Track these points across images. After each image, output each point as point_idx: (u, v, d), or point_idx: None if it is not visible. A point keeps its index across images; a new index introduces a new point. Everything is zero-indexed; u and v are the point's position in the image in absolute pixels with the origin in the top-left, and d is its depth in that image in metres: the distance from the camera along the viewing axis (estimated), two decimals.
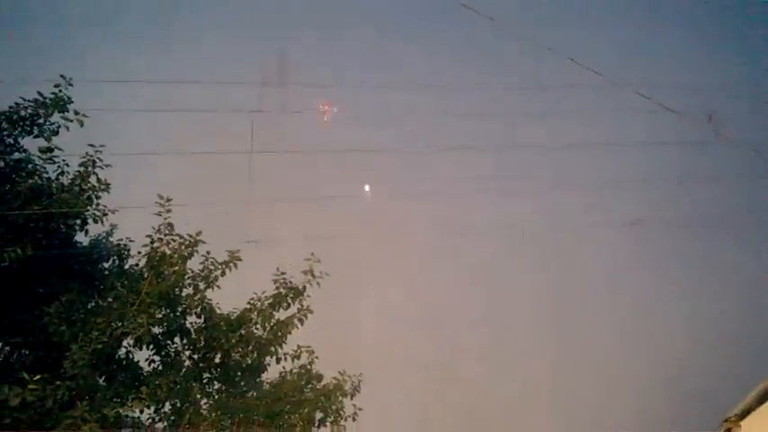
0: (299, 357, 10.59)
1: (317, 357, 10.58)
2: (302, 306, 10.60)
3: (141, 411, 9.15)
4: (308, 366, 10.57)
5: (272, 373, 10.58)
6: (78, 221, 9.87)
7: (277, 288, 10.61)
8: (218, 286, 10.32)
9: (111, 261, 10.43)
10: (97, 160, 9.94)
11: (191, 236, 10.06)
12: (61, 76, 10.04)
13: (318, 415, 10.19)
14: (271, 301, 10.53)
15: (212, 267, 10.25)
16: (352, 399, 10.42)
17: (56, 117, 10.02)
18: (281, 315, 10.54)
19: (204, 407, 9.93)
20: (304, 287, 10.61)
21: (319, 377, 10.55)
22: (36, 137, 9.99)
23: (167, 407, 9.65)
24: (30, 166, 9.88)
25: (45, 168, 9.88)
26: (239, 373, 10.28)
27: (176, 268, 9.85)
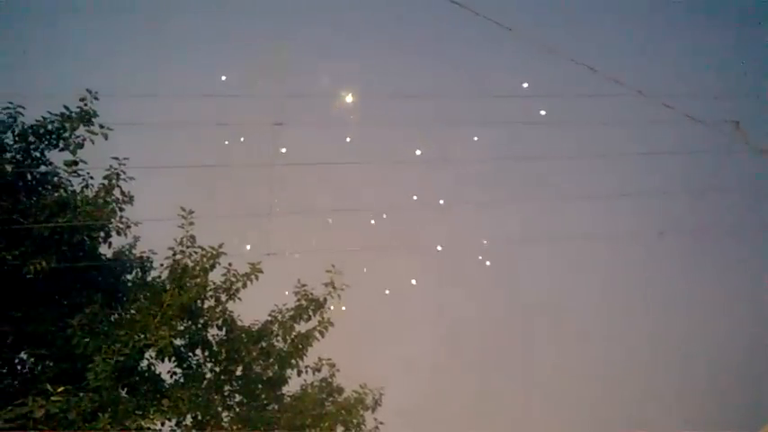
0: (319, 370, 10.57)
1: (338, 370, 10.55)
2: (323, 318, 10.57)
3: (162, 424, 9.16)
4: (329, 379, 10.53)
5: (293, 385, 10.56)
6: (102, 234, 9.96)
7: (298, 300, 10.60)
8: (239, 298, 10.33)
9: (134, 273, 10.54)
10: (121, 173, 10.05)
11: (212, 248, 10.08)
12: (87, 90, 10.18)
13: (339, 429, 10.13)
14: (292, 313, 10.52)
15: (234, 279, 10.27)
16: (373, 412, 10.35)
17: (81, 130, 10.16)
18: (301, 327, 10.54)
19: (225, 420, 9.92)
20: (325, 299, 10.59)
21: (340, 390, 10.49)
22: (62, 150, 10.14)
23: (189, 419, 9.65)
24: (55, 179, 10.02)
25: (70, 181, 10.00)
26: (260, 386, 10.26)
27: (198, 280, 9.86)
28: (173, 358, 9.87)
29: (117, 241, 10.22)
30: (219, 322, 10.15)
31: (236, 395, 10.23)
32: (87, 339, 9.16)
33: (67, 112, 10.08)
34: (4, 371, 9.67)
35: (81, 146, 10.12)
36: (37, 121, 10.03)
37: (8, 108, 10.00)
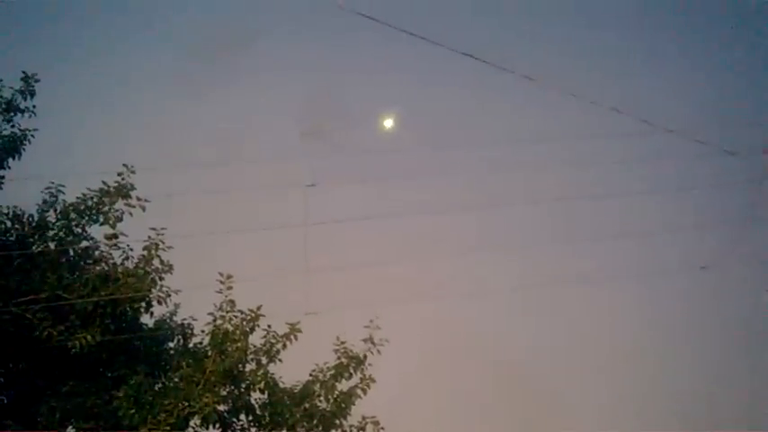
0: (364, 429, 10.41)
1: (382, 429, 10.38)
2: (364, 375, 10.48)
3: None
4: None
5: None
6: (144, 304, 10.10)
7: (338, 358, 10.55)
8: (279, 359, 10.32)
9: (176, 341, 10.66)
10: (159, 243, 10.24)
11: (251, 310, 10.14)
12: (124, 164, 10.49)
13: None
14: (333, 372, 10.46)
15: (273, 341, 10.28)
16: None
17: (119, 204, 10.44)
18: (343, 386, 10.45)
19: None
20: (365, 356, 10.52)
21: None
22: (102, 224, 10.42)
23: None
24: (96, 253, 10.31)
25: (111, 254, 10.26)
26: None
27: (239, 344, 9.89)
28: (217, 424, 9.87)
29: (158, 310, 10.37)
30: (262, 385, 10.11)
31: None
32: (133, 411, 9.23)
33: (106, 187, 10.38)
34: None
35: (120, 219, 10.37)
36: (77, 197, 10.36)
37: (50, 187, 10.39)
